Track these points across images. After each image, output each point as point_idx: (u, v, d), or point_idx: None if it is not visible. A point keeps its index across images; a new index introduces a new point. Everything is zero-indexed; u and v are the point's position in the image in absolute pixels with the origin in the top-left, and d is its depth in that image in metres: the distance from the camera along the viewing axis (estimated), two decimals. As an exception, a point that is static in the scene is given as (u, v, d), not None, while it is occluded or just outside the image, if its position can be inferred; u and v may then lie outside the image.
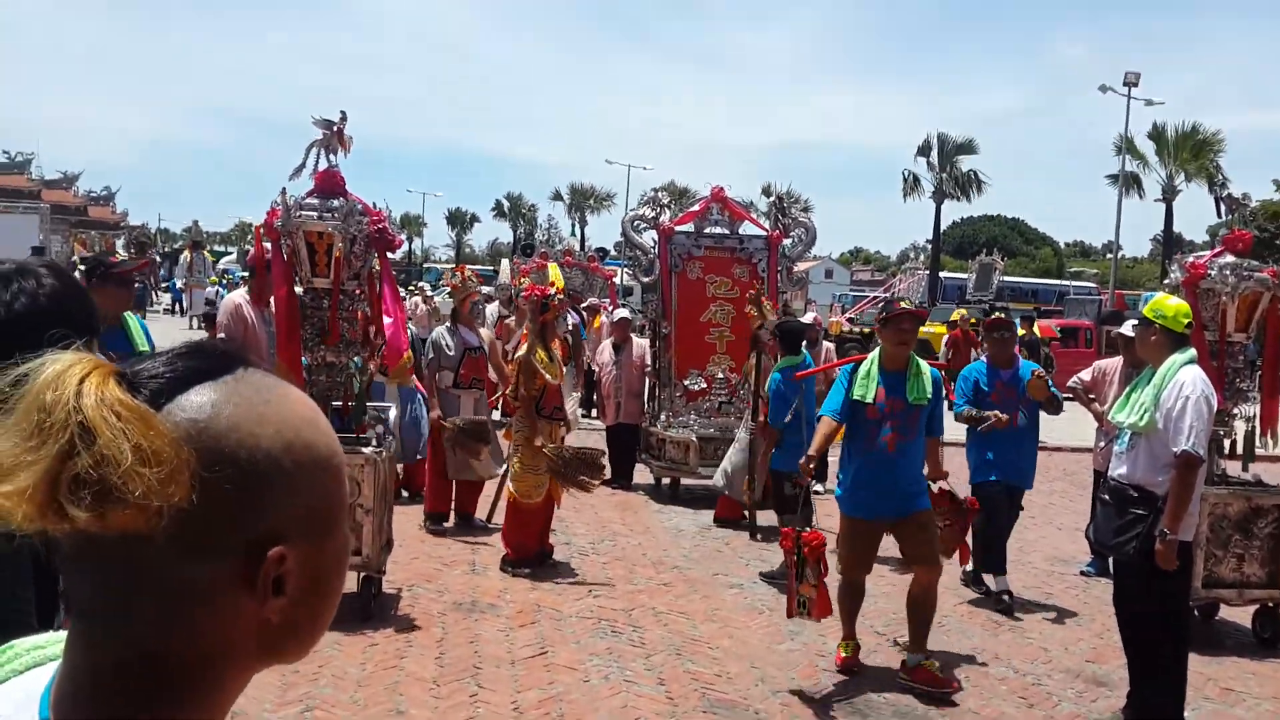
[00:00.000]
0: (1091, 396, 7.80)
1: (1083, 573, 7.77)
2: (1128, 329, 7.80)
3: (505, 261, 14.47)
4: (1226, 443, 6.84)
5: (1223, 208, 8.08)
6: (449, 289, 8.63)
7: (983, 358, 7.61)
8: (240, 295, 7.53)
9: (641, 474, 10.54)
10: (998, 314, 8.06)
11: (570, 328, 9.92)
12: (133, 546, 0.72)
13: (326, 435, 0.82)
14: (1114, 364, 7.83)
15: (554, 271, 11.83)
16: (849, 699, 5.19)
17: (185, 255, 27.06)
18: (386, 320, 6.69)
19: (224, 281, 29.37)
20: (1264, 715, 5.32)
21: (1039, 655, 6.06)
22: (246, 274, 7.68)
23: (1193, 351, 4.98)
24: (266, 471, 0.75)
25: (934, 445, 5.64)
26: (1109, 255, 49.68)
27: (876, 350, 5.47)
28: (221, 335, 7.31)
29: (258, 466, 0.75)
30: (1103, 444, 7.73)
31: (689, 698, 5.09)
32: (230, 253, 51.63)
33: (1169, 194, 43.55)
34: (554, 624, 6.05)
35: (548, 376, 7.00)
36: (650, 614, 6.39)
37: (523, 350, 7.14)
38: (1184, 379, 4.79)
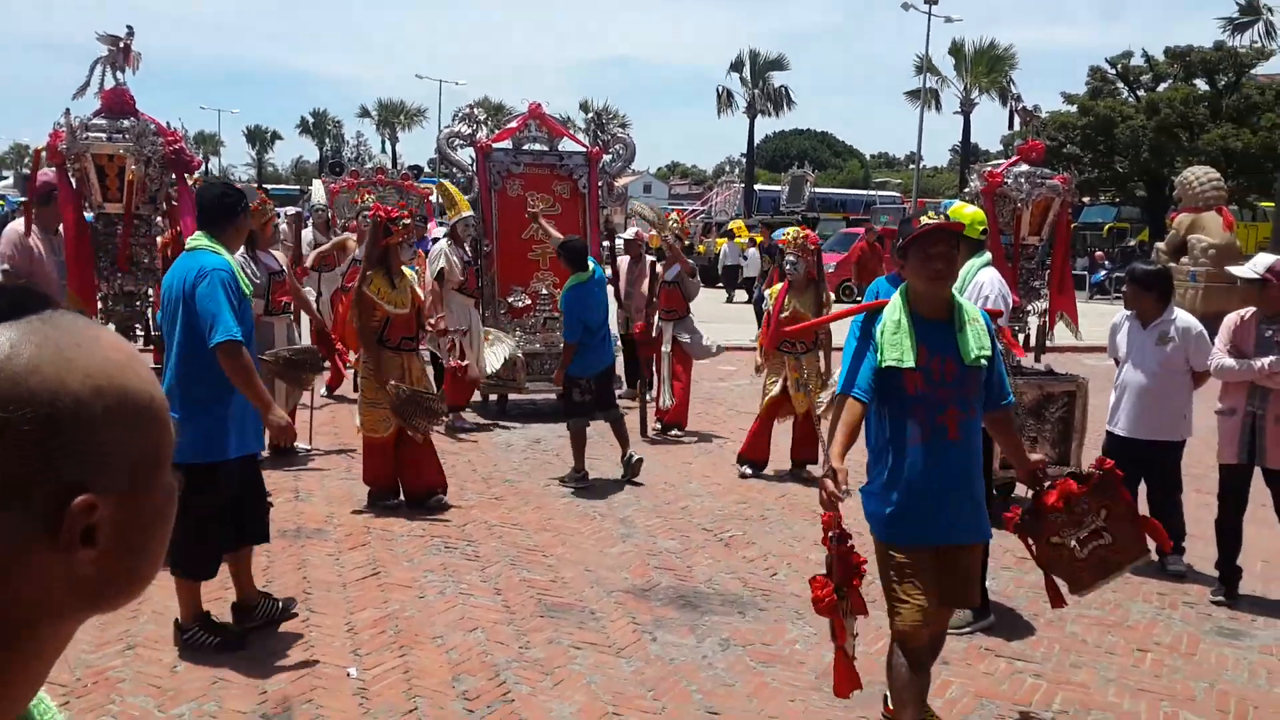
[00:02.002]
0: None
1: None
2: None
3: (317, 182, 13.60)
4: (1020, 336, 7.35)
5: (1017, 120, 8.53)
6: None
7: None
8: (23, 224, 6.99)
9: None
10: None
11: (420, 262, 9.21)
12: None
13: (144, 381, 0.78)
14: None
15: (455, 192, 11.24)
16: (680, 593, 5.39)
17: (-43, 182, 24.70)
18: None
19: (2, 209, 27.10)
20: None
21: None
22: (26, 200, 7.12)
23: (988, 255, 5.36)
24: (72, 417, 0.72)
25: (1007, 421, 3.91)
26: (911, 166, 51.85)
27: (899, 292, 3.73)
28: (5, 268, 6.80)
29: (61, 412, 0.71)
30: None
31: (526, 605, 5.19)
32: (6, 177, 47.66)
33: (967, 107, 45.71)
34: (385, 544, 6.01)
35: (389, 308, 6.48)
36: (484, 528, 6.43)
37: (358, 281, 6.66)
38: (981, 279, 5.17)
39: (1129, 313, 6.03)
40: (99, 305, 6.48)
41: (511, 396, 10.11)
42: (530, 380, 9.84)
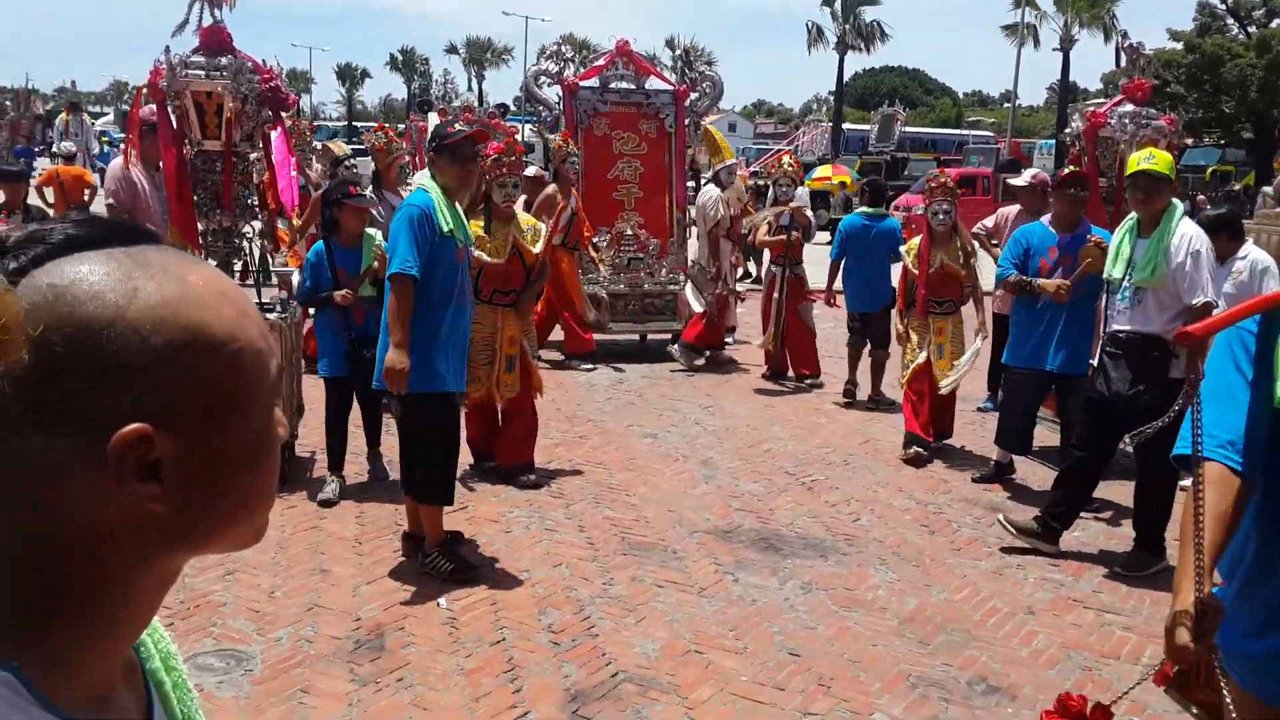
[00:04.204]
0: (994, 243, 8.03)
1: (980, 409, 8.12)
2: (1022, 180, 8.01)
3: (434, 116, 13.04)
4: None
5: (1122, 57, 8.19)
6: (373, 150, 8.01)
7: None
8: (124, 157, 7.19)
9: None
10: (1073, 169, 6.74)
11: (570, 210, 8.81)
12: None
13: (227, 319, 0.76)
14: (1012, 210, 8.04)
15: (720, 139, 11.00)
16: (762, 535, 5.42)
17: (62, 117, 25.50)
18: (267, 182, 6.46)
19: (106, 146, 27.89)
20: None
21: (939, 486, 6.38)
22: (129, 134, 7.28)
23: (1182, 204, 5.21)
24: (125, 346, 0.70)
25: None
26: (1006, 105, 50.24)
27: None
28: (110, 202, 7.02)
29: (113, 341, 0.70)
30: (1000, 291, 8.00)
31: (609, 542, 5.26)
32: (107, 114, 48.91)
33: (1066, 44, 43.95)
34: (472, 480, 6.13)
35: (483, 257, 5.84)
36: (567, 465, 6.52)
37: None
38: (1190, 231, 4.99)
39: None
40: (200, 242, 6.64)
41: (596, 336, 10.15)
42: (614, 321, 9.86)
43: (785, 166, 9.22)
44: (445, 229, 4.61)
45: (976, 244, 7.50)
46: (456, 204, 4.81)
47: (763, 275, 9.16)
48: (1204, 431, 1.96)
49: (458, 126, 5.16)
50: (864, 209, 8.76)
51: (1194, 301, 4.90)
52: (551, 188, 8.78)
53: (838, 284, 8.59)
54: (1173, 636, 1.93)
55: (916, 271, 7.02)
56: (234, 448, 0.76)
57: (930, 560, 5.19)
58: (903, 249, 7.35)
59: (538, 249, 6.05)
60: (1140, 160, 5.09)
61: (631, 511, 5.73)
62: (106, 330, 0.70)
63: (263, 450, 0.79)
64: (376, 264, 5.69)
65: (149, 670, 0.88)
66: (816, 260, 9.68)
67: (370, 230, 5.94)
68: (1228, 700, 1.97)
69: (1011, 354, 6.25)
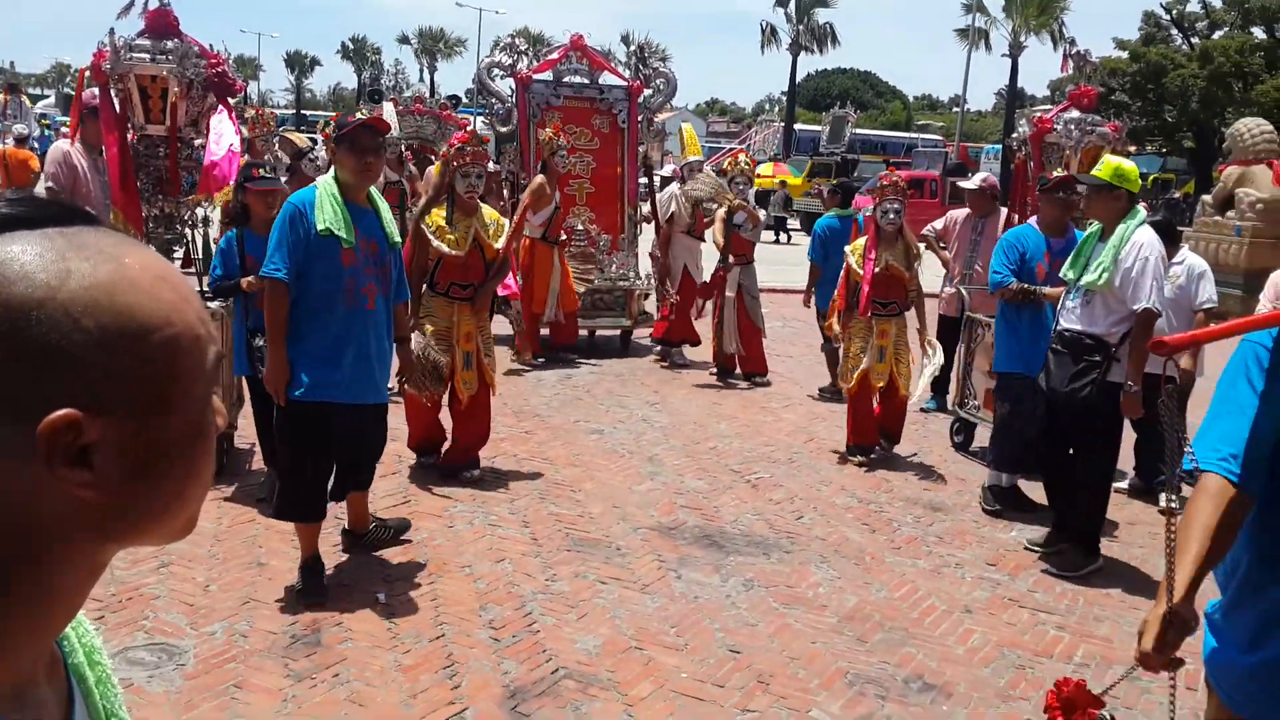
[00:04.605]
0: (942, 245, 8.13)
1: (923, 409, 8.22)
2: (972, 183, 8.12)
3: (389, 105, 12.77)
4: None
5: (1070, 64, 8.34)
6: (324, 141, 7.78)
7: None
8: (68, 143, 7.03)
9: (498, 325, 10.49)
10: (1064, 172, 6.63)
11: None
12: None
13: (163, 302, 0.74)
14: (961, 214, 8.14)
15: (690, 136, 10.93)
16: (705, 532, 5.43)
17: (0, 98, 24.88)
18: (215, 152, 6.21)
19: (47, 129, 27.22)
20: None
21: (880, 485, 6.44)
22: (73, 116, 7.11)
23: (1144, 213, 5.24)
24: (56, 328, 0.68)
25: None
26: (955, 109, 50.88)
27: None
28: (50, 184, 6.86)
29: (43, 323, 0.68)
30: (948, 290, 8.11)
31: (553, 538, 5.24)
32: (48, 95, 47.82)
33: (1015, 49, 44.58)
34: (416, 473, 6.08)
35: (440, 246, 5.74)
36: (513, 460, 6.49)
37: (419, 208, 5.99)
38: (1141, 239, 5.03)
39: None
40: (143, 227, 6.51)
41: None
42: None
43: (741, 164, 9.20)
44: (320, 227, 4.26)
45: (923, 246, 7.44)
46: (355, 199, 4.42)
47: (710, 273, 9.16)
48: (1208, 443, 2.04)
49: (358, 115, 4.98)
50: (836, 210, 8.95)
51: (1135, 307, 4.98)
52: (540, 179, 8.77)
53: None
54: (1138, 641, 2.00)
55: (861, 271, 6.83)
56: (168, 435, 0.75)
57: (870, 558, 5.24)
58: (847, 249, 7.17)
59: (499, 244, 5.91)
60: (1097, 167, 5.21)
61: (576, 507, 5.71)
62: (36, 311, 0.68)
63: (198, 439, 0.78)
64: None
65: (71, 665, 0.86)
66: (772, 260, 9.72)
67: None
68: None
69: (1007, 361, 6.01)
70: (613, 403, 8.10)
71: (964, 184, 8.34)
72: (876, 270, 6.73)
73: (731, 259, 8.81)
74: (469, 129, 6.80)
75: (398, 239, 4.63)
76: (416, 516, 5.39)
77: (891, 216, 6.73)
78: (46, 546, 0.73)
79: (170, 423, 0.75)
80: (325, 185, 4.40)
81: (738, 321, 8.94)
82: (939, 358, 6.75)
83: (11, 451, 0.69)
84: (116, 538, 0.76)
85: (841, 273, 7.12)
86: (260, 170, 5.69)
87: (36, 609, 0.75)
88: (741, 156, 9.47)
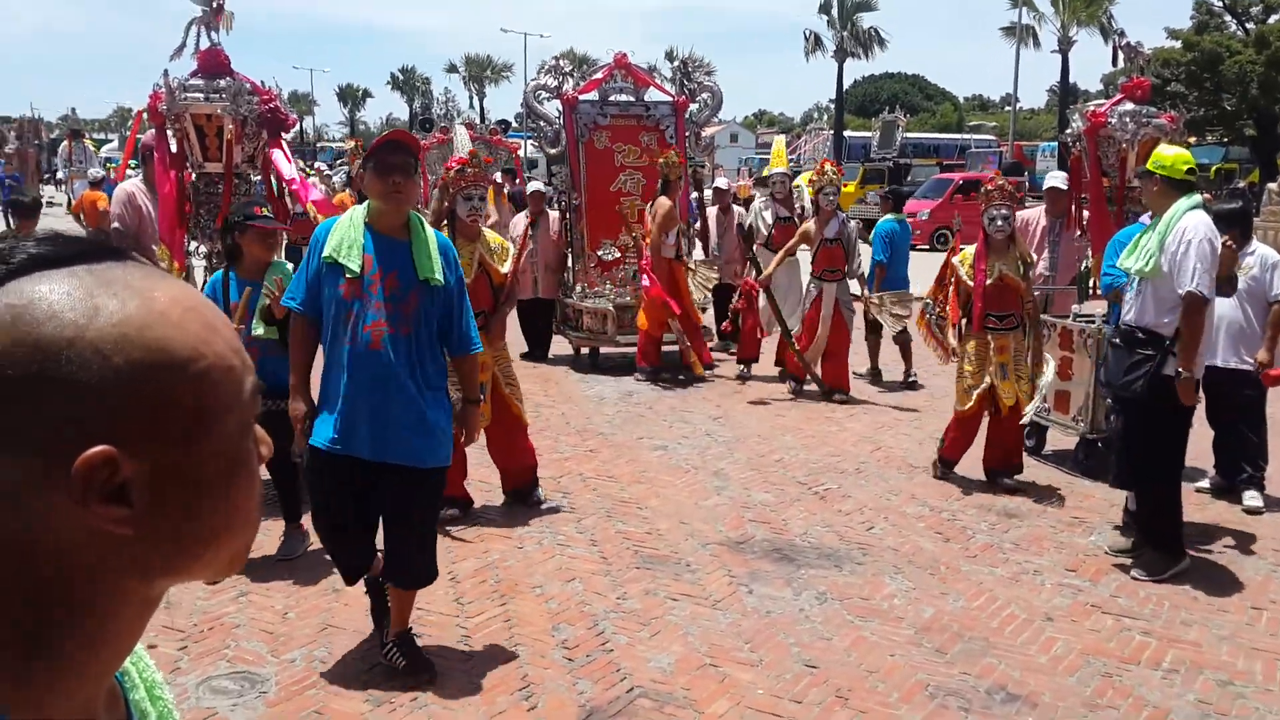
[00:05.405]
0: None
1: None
2: (1055, 181, 7.93)
3: (461, 129, 12.70)
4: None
5: (1121, 56, 8.18)
6: (351, 164, 8.05)
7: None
8: (133, 184, 7.23)
9: (559, 345, 10.56)
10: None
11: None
12: None
13: (192, 335, 0.73)
14: (1035, 214, 7.97)
15: (777, 147, 11.20)
16: (775, 546, 5.38)
17: (64, 145, 25.67)
18: (290, 183, 6.40)
19: (111, 172, 28.02)
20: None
21: (952, 493, 6.34)
22: (127, 159, 7.31)
23: (1198, 198, 5.04)
24: (86, 366, 0.68)
25: None
26: (1007, 108, 50.24)
27: None
28: (116, 226, 7.03)
29: (73, 361, 0.68)
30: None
31: (622, 556, 5.23)
32: (111, 139, 49.22)
33: (1064, 44, 43.96)
34: (483, 495, 6.11)
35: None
36: (578, 480, 6.49)
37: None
38: (1187, 223, 4.86)
39: None
40: (184, 260, 6.62)
41: (603, 350, 10.14)
42: (621, 334, 9.84)
43: (829, 174, 8.79)
44: (326, 253, 3.89)
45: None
46: (384, 228, 3.94)
47: (809, 288, 9.00)
48: None
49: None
50: (891, 215, 9.87)
51: (1179, 291, 4.78)
52: (666, 202, 9.05)
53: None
54: None
55: (972, 283, 6.38)
56: (205, 469, 0.74)
57: (945, 568, 5.15)
58: (955, 259, 6.61)
59: (505, 269, 5.66)
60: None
61: (644, 524, 5.70)
62: (66, 351, 0.68)
63: (237, 473, 0.77)
64: (268, 300, 4.82)
65: (132, 701, 0.86)
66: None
67: (279, 260, 5.29)
68: None
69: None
70: (675, 418, 8.08)
71: (1052, 181, 7.99)
72: (989, 282, 6.32)
73: (824, 275, 8.70)
74: (474, 152, 6.65)
75: (437, 277, 3.90)
76: (486, 539, 5.42)
77: (1000, 224, 6.31)
78: (88, 586, 0.72)
79: (206, 457, 0.74)
80: (352, 210, 4.09)
81: (829, 336, 8.73)
82: (1050, 371, 6.28)
83: (46, 491, 0.68)
84: (160, 575, 0.75)
85: (950, 286, 6.71)
86: (263, 209, 5.38)
87: (87, 650, 0.74)
88: (828, 165, 9.20)
